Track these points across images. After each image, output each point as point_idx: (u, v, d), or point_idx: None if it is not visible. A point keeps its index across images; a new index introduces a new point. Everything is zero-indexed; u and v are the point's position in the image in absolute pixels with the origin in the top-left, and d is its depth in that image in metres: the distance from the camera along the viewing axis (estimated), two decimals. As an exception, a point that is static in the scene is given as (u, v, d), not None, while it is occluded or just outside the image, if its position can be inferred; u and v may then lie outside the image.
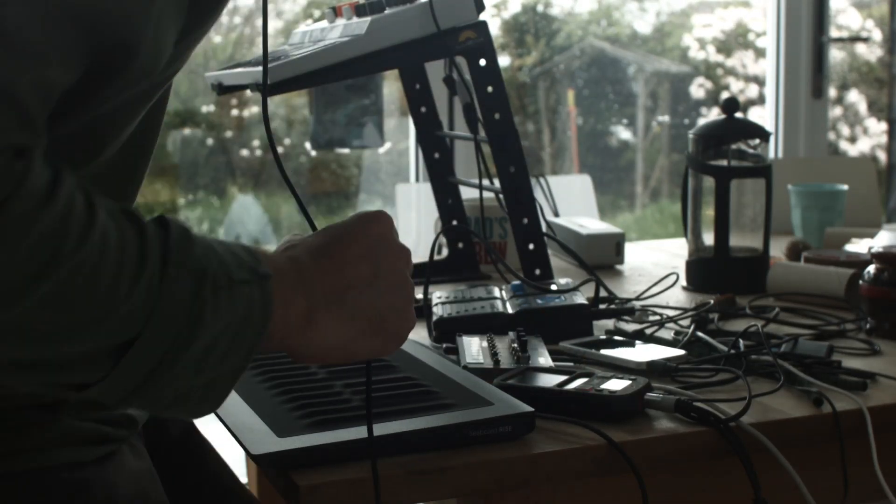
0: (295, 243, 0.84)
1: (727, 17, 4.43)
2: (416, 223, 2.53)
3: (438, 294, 1.48)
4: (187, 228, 0.75)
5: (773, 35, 3.38)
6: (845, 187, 2.14)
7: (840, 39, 4.17)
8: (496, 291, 1.47)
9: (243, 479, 1.47)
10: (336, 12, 1.55)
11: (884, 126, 4.51)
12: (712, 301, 1.54)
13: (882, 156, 4.49)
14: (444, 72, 1.63)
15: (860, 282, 1.44)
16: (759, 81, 4.19)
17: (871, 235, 1.96)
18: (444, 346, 1.32)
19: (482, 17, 1.53)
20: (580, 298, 1.41)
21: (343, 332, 0.82)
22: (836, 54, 4.14)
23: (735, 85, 4.40)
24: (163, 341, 0.72)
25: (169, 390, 0.74)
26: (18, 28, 0.69)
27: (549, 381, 1.11)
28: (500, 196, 1.59)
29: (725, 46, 4.41)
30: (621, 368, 1.22)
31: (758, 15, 4.33)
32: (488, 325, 1.35)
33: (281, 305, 0.77)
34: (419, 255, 2.37)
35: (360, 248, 0.83)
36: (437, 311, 1.41)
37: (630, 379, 1.10)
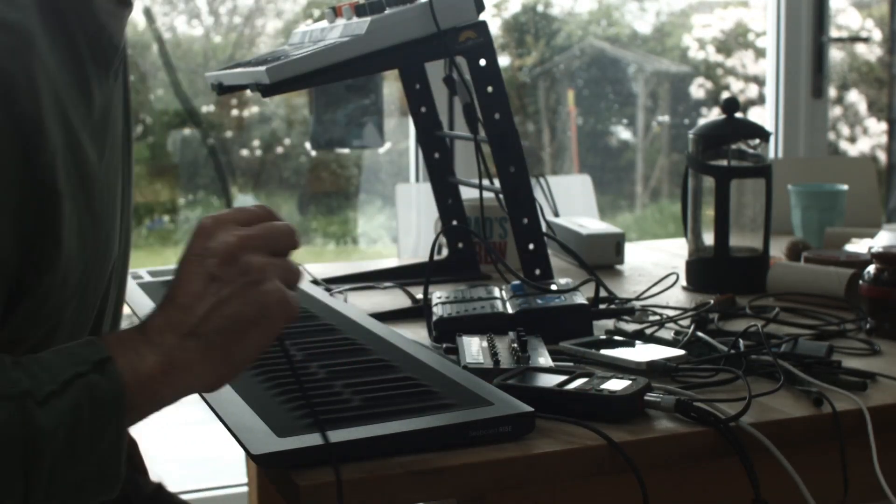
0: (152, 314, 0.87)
1: (727, 17, 4.44)
2: (416, 223, 2.53)
3: (438, 294, 1.48)
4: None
5: (773, 35, 3.38)
6: (845, 187, 2.14)
7: (840, 39, 4.17)
8: (496, 291, 1.47)
9: (243, 478, 1.47)
10: (336, 12, 1.55)
11: (884, 126, 4.51)
12: (712, 301, 1.54)
13: (882, 156, 4.49)
14: (444, 72, 1.62)
15: (860, 282, 1.44)
16: (759, 81, 4.19)
17: (871, 235, 1.96)
18: (444, 346, 1.32)
19: (482, 17, 1.53)
20: (580, 298, 1.41)
21: (213, 356, 0.84)
22: (835, 54, 4.14)
23: (735, 85, 4.40)
24: (16, 464, 0.77)
25: (65, 489, 0.79)
26: None
27: (549, 381, 1.11)
28: (500, 196, 1.59)
29: (725, 46, 4.41)
30: (621, 368, 1.22)
31: (758, 15, 4.33)
32: (488, 325, 1.35)
33: (131, 370, 0.82)
34: (419, 255, 2.37)
35: (187, 275, 0.85)
36: (437, 311, 1.41)
37: (630, 379, 1.10)
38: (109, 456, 0.81)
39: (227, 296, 0.83)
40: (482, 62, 1.52)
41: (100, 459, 0.81)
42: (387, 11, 1.48)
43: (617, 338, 1.33)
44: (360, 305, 1.58)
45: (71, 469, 0.79)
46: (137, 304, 1.52)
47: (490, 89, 1.53)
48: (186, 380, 0.84)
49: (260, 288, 0.84)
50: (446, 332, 1.35)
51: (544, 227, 1.62)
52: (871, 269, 1.43)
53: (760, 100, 4.06)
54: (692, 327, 1.38)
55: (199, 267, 0.84)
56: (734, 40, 4.41)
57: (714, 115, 4.35)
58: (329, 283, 1.73)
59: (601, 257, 1.90)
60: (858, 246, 1.90)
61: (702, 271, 1.73)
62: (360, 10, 1.50)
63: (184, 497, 1.35)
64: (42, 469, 0.78)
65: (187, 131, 4.15)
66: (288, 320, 0.86)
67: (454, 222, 1.81)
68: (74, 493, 0.80)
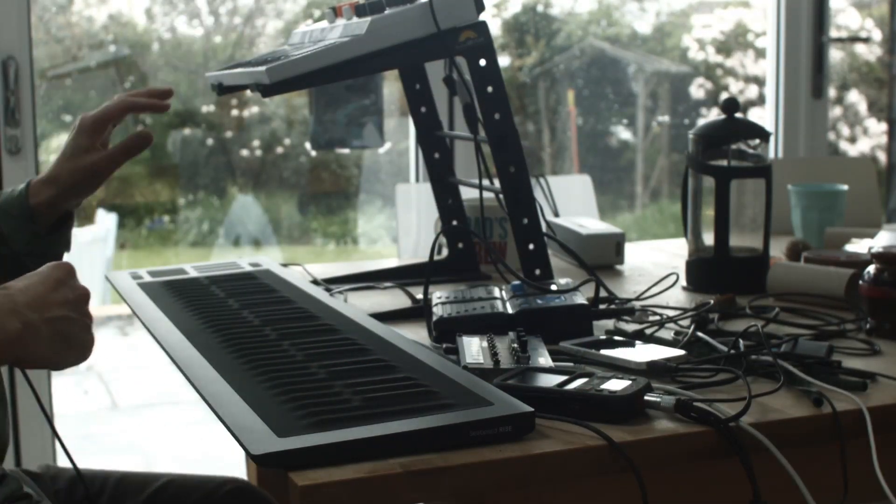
0: (7, 285, 1.05)
1: (727, 18, 4.44)
2: (416, 223, 2.53)
3: (438, 294, 1.48)
4: None
5: (773, 35, 3.38)
6: (845, 187, 2.14)
7: (840, 39, 4.17)
8: (496, 291, 1.47)
9: (243, 478, 1.47)
10: (336, 12, 1.55)
11: (884, 126, 4.51)
12: (712, 301, 1.54)
13: (882, 156, 4.49)
14: (444, 72, 1.62)
15: (860, 282, 1.44)
16: (759, 82, 4.19)
17: (871, 235, 1.96)
18: (444, 346, 1.32)
19: (482, 17, 1.53)
20: (580, 298, 1.41)
21: (52, 345, 1.02)
22: (835, 54, 4.14)
23: (735, 85, 4.40)
24: None
25: None
26: None
27: (549, 381, 1.11)
28: (500, 196, 1.59)
29: (725, 47, 4.41)
30: (621, 368, 1.22)
31: (758, 15, 4.33)
32: (488, 325, 1.35)
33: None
34: (419, 255, 2.37)
35: (52, 287, 1.04)
36: (437, 311, 1.41)
37: (630, 379, 1.10)
38: None
39: (75, 318, 1.04)
40: (482, 62, 1.52)
41: None
42: (387, 11, 1.48)
43: (617, 338, 1.33)
44: (360, 305, 1.58)
45: None
46: (137, 303, 1.52)
47: (490, 89, 1.53)
48: (32, 352, 1.00)
49: (89, 330, 1.06)
50: (446, 332, 1.35)
51: (544, 227, 1.62)
52: (871, 269, 1.43)
53: (760, 100, 4.06)
54: (692, 327, 1.38)
55: (63, 289, 1.05)
56: (734, 41, 4.41)
57: (714, 115, 4.35)
58: (329, 283, 1.73)
59: (601, 257, 1.90)
60: (858, 246, 1.90)
61: (702, 271, 1.73)
62: (360, 10, 1.50)
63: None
64: None
65: (187, 131, 4.15)
66: (77, 363, 1.06)
67: (454, 222, 1.81)
68: None
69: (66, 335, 1.03)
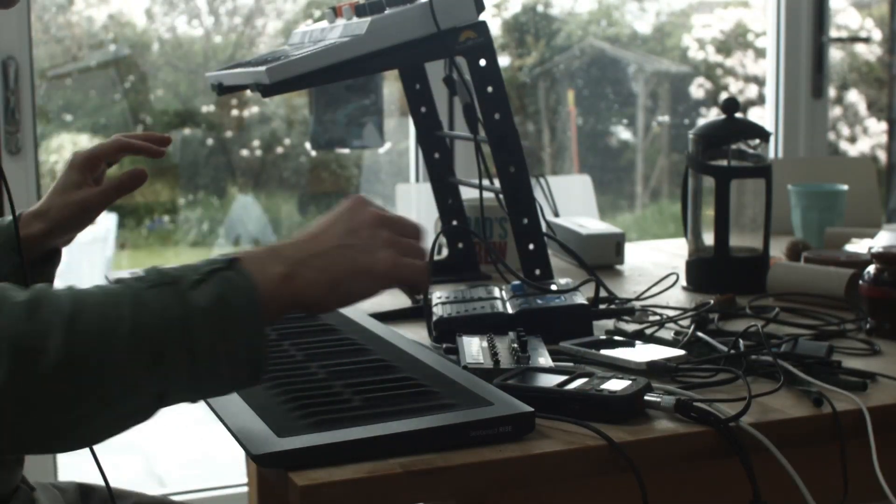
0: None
1: (727, 18, 4.44)
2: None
3: (438, 294, 1.48)
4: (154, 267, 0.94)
5: (773, 35, 3.38)
6: (845, 187, 2.14)
7: (840, 39, 4.17)
8: (496, 291, 1.47)
9: (243, 478, 1.47)
10: (336, 12, 1.55)
11: (884, 126, 4.51)
12: (712, 301, 1.54)
13: (882, 156, 4.49)
14: (444, 72, 1.62)
15: (860, 282, 1.44)
16: (759, 82, 4.19)
17: (871, 235, 1.96)
18: (444, 346, 1.32)
19: (482, 17, 1.53)
20: (580, 298, 1.41)
21: (324, 279, 0.97)
22: (835, 54, 4.14)
23: (734, 85, 4.40)
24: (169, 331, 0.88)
25: (218, 368, 0.89)
26: None
27: (549, 381, 1.11)
28: (500, 196, 1.59)
29: (725, 47, 4.41)
30: (621, 368, 1.22)
31: (757, 15, 4.33)
32: (488, 325, 1.35)
33: (259, 273, 0.93)
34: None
35: (330, 223, 1.01)
36: (437, 311, 1.41)
37: (630, 379, 1.10)
38: (253, 338, 0.91)
39: (352, 244, 0.99)
40: (482, 62, 1.52)
41: (248, 341, 0.90)
42: (387, 11, 1.48)
43: (617, 338, 1.33)
44: (360, 305, 1.58)
45: (223, 347, 0.89)
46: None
47: (490, 89, 1.52)
48: (303, 291, 0.96)
49: (378, 252, 1.00)
50: (446, 332, 1.35)
51: (544, 227, 1.62)
52: (871, 269, 1.43)
53: (760, 100, 4.06)
54: (692, 327, 1.38)
55: (340, 221, 1.01)
56: (734, 40, 4.41)
57: (713, 115, 4.35)
58: (329, 283, 1.72)
59: (601, 257, 1.90)
60: (858, 246, 1.90)
61: (702, 271, 1.73)
62: (360, 10, 1.50)
63: (184, 497, 1.37)
64: (201, 344, 0.88)
65: (187, 131, 4.15)
66: (393, 282, 1.01)
67: (454, 222, 1.81)
68: (227, 374, 0.90)
69: (339, 262, 0.98)
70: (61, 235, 1.35)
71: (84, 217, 1.35)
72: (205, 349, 0.88)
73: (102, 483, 1.27)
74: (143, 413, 0.90)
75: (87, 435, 0.90)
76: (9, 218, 1.33)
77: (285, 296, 0.95)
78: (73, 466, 2.56)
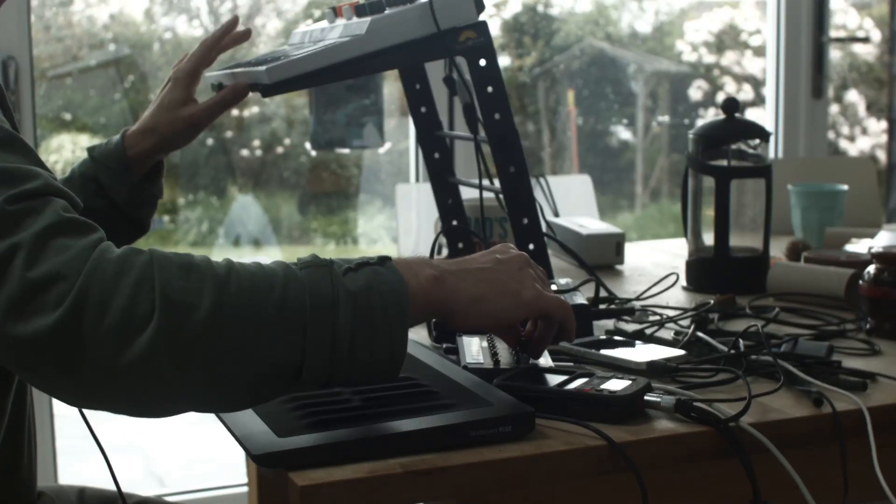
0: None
1: (724, 18, 4.44)
2: (416, 223, 2.53)
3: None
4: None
5: (773, 35, 3.38)
6: (845, 187, 2.14)
7: (839, 39, 4.17)
8: (496, 291, 1.47)
9: (243, 478, 1.47)
10: (336, 12, 1.55)
11: (883, 126, 4.51)
12: (712, 301, 1.54)
13: (882, 156, 4.49)
14: (444, 72, 1.62)
15: (860, 282, 1.44)
16: (757, 82, 4.19)
17: (871, 235, 1.96)
18: (444, 346, 1.32)
19: (482, 17, 1.52)
20: (580, 298, 1.41)
21: (472, 291, 1.00)
22: (835, 54, 4.14)
23: (733, 86, 4.40)
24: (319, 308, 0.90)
25: (362, 354, 0.91)
26: None
27: (549, 381, 1.11)
28: (500, 196, 1.59)
29: (721, 47, 4.41)
30: (621, 368, 1.22)
31: (756, 14, 4.33)
32: (488, 325, 1.34)
33: (409, 272, 0.97)
34: (419, 255, 2.37)
35: (482, 254, 1.06)
36: (437, 311, 1.41)
37: (630, 379, 1.10)
38: (396, 331, 0.93)
39: (503, 269, 1.04)
40: (482, 62, 1.52)
41: (390, 333, 0.92)
42: (387, 11, 1.48)
43: (617, 338, 1.33)
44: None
45: (365, 333, 0.91)
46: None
47: (490, 89, 1.52)
48: (450, 296, 0.99)
49: (527, 281, 1.05)
50: (446, 332, 1.35)
51: (544, 227, 1.62)
52: (871, 269, 1.43)
53: (759, 100, 4.06)
54: (692, 327, 1.38)
55: (492, 253, 1.06)
56: (733, 40, 4.41)
57: (712, 115, 4.35)
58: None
59: (601, 257, 1.90)
60: (858, 246, 1.90)
61: (702, 271, 1.73)
62: (360, 10, 1.50)
63: (184, 497, 1.37)
64: (345, 327, 0.90)
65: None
66: (536, 312, 1.06)
67: (454, 222, 1.81)
68: (364, 361, 0.91)
69: (489, 280, 1.02)
70: (170, 150, 1.45)
71: (191, 132, 1.44)
72: (347, 332, 0.90)
73: (99, 486, 1.27)
74: (282, 383, 0.90)
75: (225, 397, 0.90)
76: (115, 138, 1.43)
77: (432, 297, 0.98)
78: (74, 473, 2.56)
